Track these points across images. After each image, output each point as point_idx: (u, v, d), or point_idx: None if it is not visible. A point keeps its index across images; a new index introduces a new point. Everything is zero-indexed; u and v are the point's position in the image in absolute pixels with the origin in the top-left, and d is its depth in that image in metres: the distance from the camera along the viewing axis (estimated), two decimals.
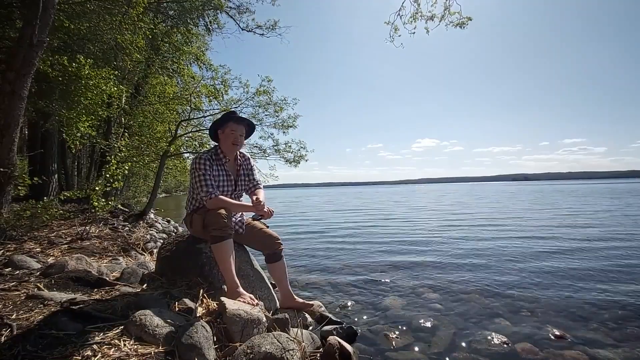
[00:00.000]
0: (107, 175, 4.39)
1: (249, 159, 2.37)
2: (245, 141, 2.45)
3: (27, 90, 3.43)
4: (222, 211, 1.93)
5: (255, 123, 8.50)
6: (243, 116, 2.31)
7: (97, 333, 1.30)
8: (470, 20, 6.08)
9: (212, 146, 2.27)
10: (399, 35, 6.45)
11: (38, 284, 1.91)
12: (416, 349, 2.00)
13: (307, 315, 2.26)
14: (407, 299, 2.86)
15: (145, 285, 2.12)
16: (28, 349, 1.16)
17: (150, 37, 6.92)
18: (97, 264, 2.58)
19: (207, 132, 2.29)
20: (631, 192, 22.79)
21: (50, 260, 2.66)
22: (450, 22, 6.15)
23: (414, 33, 6.36)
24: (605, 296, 2.84)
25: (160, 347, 1.24)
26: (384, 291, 3.11)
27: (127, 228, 5.21)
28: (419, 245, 5.48)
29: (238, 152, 2.29)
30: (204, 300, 1.72)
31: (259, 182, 2.35)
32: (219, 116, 2.76)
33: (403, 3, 6.17)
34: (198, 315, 1.56)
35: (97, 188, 4.20)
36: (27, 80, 3.40)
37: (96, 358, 1.14)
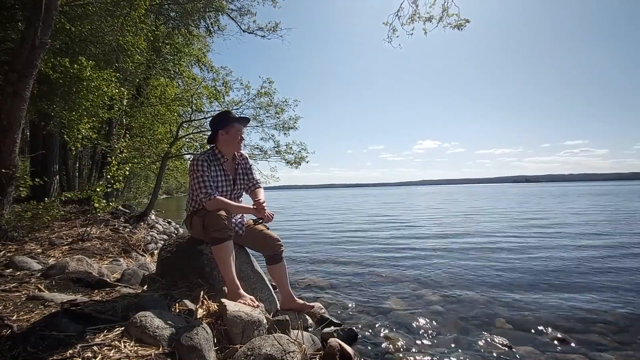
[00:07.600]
0: (108, 177, 4.39)
1: (247, 158, 2.36)
2: (247, 142, 2.46)
3: (29, 91, 3.44)
4: (222, 213, 1.92)
5: (256, 124, 8.50)
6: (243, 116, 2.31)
7: (97, 334, 1.30)
8: (468, 22, 6.09)
9: (209, 147, 2.26)
10: (397, 37, 6.46)
11: (39, 285, 1.91)
12: (417, 351, 1.99)
13: (307, 317, 2.26)
14: (408, 301, 2.85)
15: (146, 286, 2.12)
16: (28, 350, 1.16)
17: (151, 38, 6.94)
18: (97, 265, 2.58)
19: (209, 134, 2.26)
20: (633, 193, 22.73)
21: (51, 261, 2.66)
22: (448, 23, 6.16)
23: (412, 34, 6.37)
24: (609, 299, 2.82)
25: (160, 349, 1.24)
26: (384, 293, 3.10)
27: (128, 229, 5.21)
28: (420, 247, 5.47)
29: (236, 152, 2.28)
30: (205, 302, 1.72)
31: (258, 182, 2.33)
32: None
33: (402, 4, 6.18)
34: (198, 316, 1.56)
35: (98, 189, 4.21)
36: (29, 81, 3.42)
37: (97, 359, 1.14)
